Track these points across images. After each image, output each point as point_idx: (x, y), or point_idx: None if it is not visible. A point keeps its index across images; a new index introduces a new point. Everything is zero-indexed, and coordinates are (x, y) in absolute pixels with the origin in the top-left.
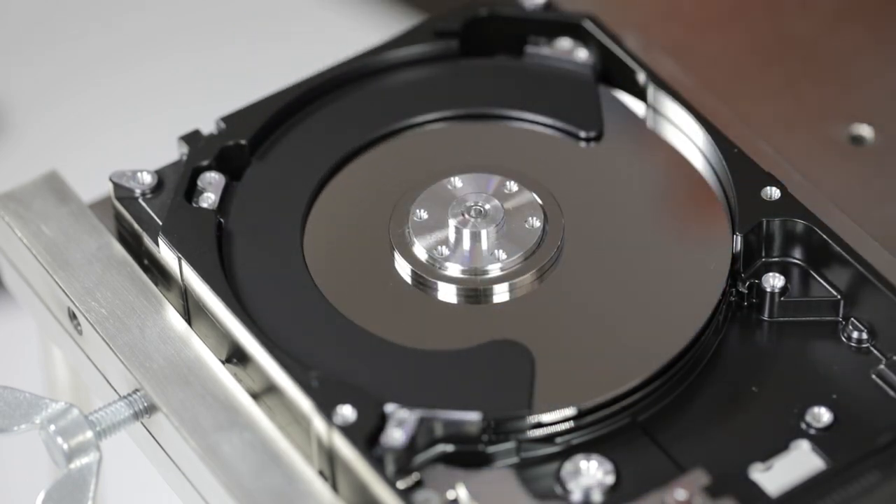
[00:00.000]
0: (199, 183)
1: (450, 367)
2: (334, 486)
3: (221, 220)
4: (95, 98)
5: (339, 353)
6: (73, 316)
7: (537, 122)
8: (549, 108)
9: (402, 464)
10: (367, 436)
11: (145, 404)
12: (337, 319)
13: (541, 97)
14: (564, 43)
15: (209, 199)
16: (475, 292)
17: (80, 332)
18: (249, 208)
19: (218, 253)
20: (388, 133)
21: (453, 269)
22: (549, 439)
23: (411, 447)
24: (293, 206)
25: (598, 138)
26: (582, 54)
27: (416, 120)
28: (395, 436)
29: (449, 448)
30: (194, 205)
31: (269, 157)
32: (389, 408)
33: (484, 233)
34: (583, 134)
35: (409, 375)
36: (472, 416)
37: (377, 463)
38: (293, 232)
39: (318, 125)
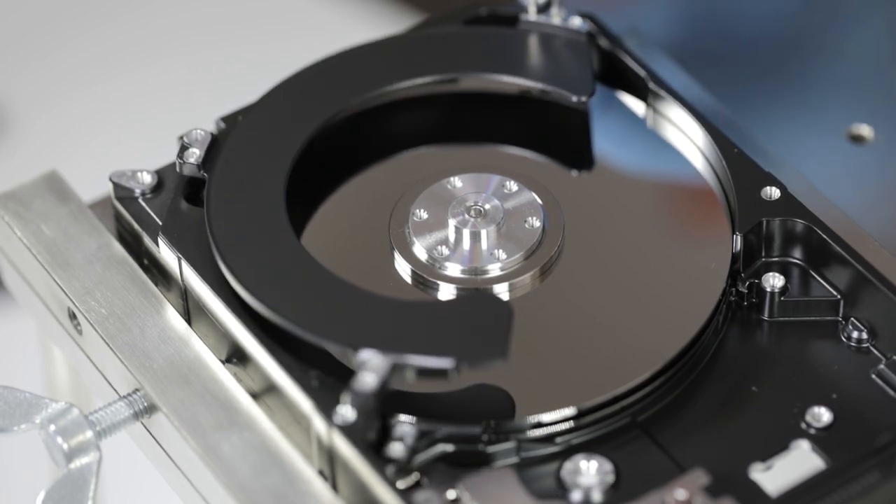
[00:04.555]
0: (185, 139)
1: (427, 315)
2: (334, 486)
3: (205, 174)
4: (95, 98)
5: (316, 301)
6: (73, 316)
7: (529, 86)
8: (540, 71)
9: (402, 463)
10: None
11: (145, 404)
12: (316, 270)
13: (533, 60)
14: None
15: (194, 155)
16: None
17: (80, 332)
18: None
19: (206, 216)
20: (378, 95)
21: (453, 269)
22: (549, 439)
23: (412, 450)
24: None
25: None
26: (576, 21)
27: (406, 84)
28: (367, 380)
29: (449, 448)
30: (180, 161)
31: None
32: (365, 354)
33: (484, 233)
34: (574, 98)
35: (384, 322)
36: (445, 363)
37: (377, 463)
38: (280, 214)
39: (303, 84)
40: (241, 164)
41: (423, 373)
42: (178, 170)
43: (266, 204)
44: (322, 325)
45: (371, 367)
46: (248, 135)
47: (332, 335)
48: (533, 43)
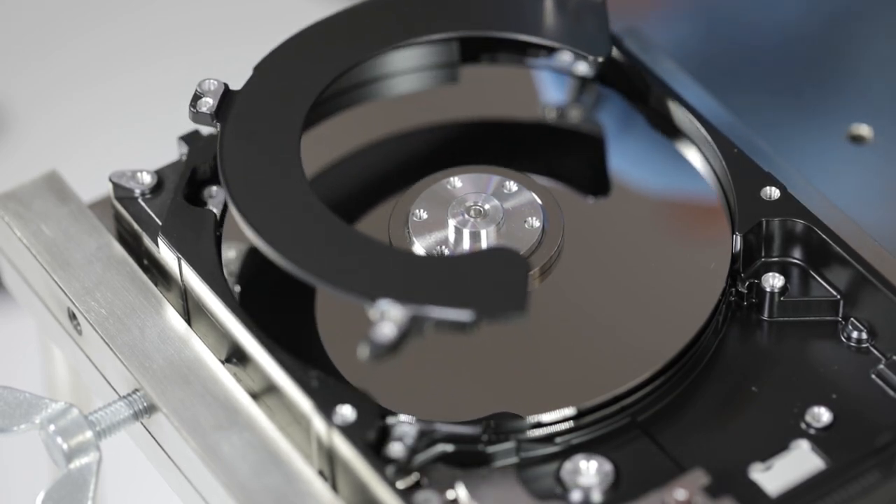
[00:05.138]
0: (198, 89)
1: (445, 269)
2: (334, 486)
3: (218, 124)
4: (95, 98)
5: (333, 252)
6: (72, 316)
7: (545, 45)
8: (557, 30)
9: (402, 464)
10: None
11: (145, 404)
12: (332, 221)
13: (549, 20)
14: None
15: (207, 104)
16: None
17: (79, 332)
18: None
19: (219, 167)
20: (393, 48)
21: None
22: (548, 439)
23: (412, 450)
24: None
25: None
26: None
27: (421, 39)
28: (386, 331)
29: (449, 448)
30: (193, 110)
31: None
32: (384, 305)
33: (483, 233)
34: (591, 58)
35: (402, 274)
36: (464, 315)
37: (377, 463)
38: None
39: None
40: (255, 114)
41: (442, 326)
42: (190, 119)
43: (281, 155)
44: (340, 275)
45: (390, 318)
46: (263, 85)
47: (350, 286)
48: (549, 3)
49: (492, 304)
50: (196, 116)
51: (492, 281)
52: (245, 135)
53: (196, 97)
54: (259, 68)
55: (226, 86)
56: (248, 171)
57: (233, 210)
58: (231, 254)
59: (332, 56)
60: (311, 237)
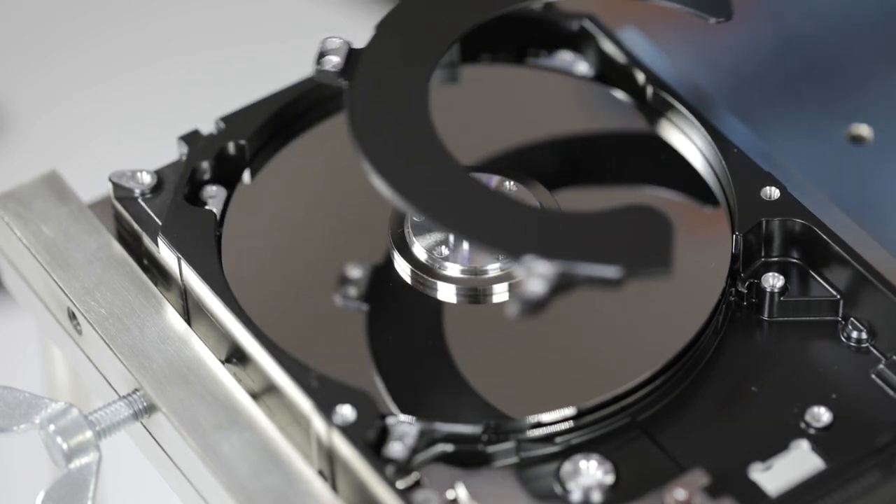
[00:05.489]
0: (322, 46)
1: (590, 225)
2: (334, 486)
3: (345, 82)
4: (95, 98)
5: (477, 210)
6: (72, 316)
7: (669, 7)
8: None
9: (402, 463)
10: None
11: (145, 404)
12: (470, 182)
13: None
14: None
15: (331, 62)
16: (474, 292)
17: (79, 332)
18: None
19: (350, 126)
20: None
21: (453, 269)
22: (548, 439)
23: (412, 450)
24: None
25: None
26: None
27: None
28: (535, 287)
29: (448, 448)
30: (318, 68)
31: None
32: (532, 261)
33: None
34: (713, 21)
35: (548, 231)
36: (612, 272)
37: (377, 463)
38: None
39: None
40: (383, 71)
41: (589, 282)
42: (315, 76)
43: (413, 114)
44: (488, 232)
45: (539, 273)
46: (388, 43)
47: (500, 241)
48: None
49: (638, 261)
50: (321, 74)
51: (637, 237)
52: (374, 93)
53: (321, 54)
54: (382, 26)
55: (349, 44)
56: (380, 131)
57: (369, 170)
58: (231, 254)
59: (458, 12)
60: (453, 196)
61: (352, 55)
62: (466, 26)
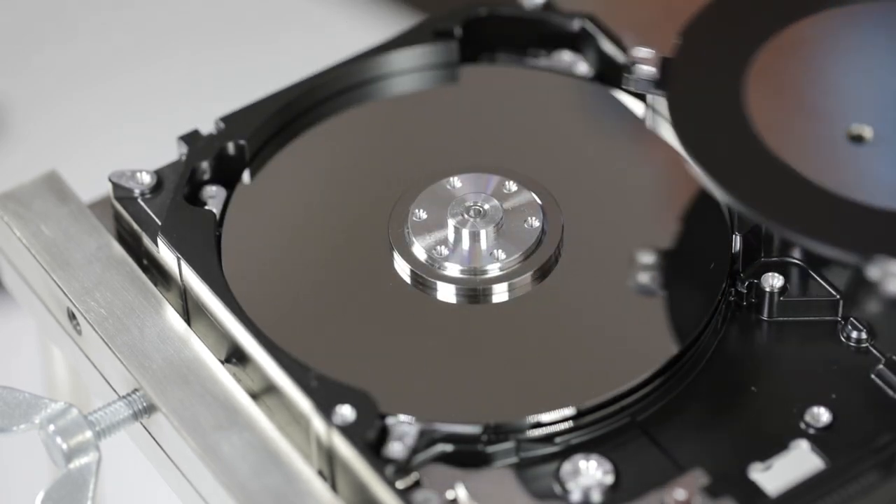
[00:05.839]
0: (630, 56)
1: None
2: (333, 486)
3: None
4: (95, 98)
5: (820, 214)
6: (72, 316)
7: None
8: None
9: (402, 463)
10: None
11: (144, 404)
12: (807, 183)
13: None
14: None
15: (647, 72)
16: (474, 292)
17: (79, 332)
18: None
19: (678, 137)
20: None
21: (452, 269)
22: (548, 439)
23: (412, 450)
24: None
25: None
26: None
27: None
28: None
29: (448, 448)
30: (632, 77)
31: None
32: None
33: (483, 233)
34: None
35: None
36: None
37: (376, 463)
38: None
39: None
40: (695, 79)
41: None
42: (629, 86)
43: (731, 115)
44: (832, 236)
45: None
46: (694, 50)
47: (844, 244)
48: None
49: None
50: (635, 83)
51: None
52: (691, 101)
53: (632, 63)
54: (686, 34)
55: (660, 55)
56: (707, 137)
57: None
58: (231, 254)
59: (762, 17)
60: (791, 198)
61: (666, 65)
62: (774, 28)
